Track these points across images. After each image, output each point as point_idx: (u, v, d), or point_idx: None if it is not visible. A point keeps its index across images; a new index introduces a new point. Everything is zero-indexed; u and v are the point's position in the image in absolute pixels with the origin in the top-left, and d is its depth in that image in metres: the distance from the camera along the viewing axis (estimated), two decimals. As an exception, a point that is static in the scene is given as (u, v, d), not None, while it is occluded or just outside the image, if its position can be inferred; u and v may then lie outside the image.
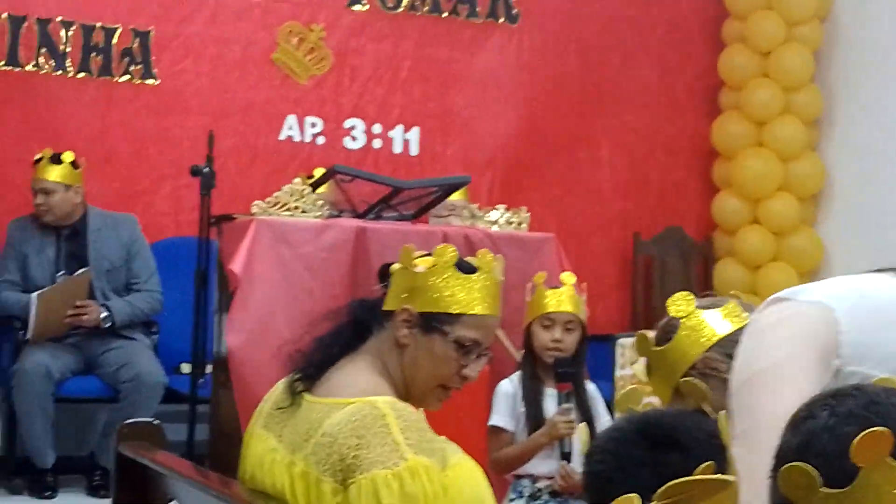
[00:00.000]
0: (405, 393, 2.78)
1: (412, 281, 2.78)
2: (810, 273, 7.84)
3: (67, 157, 6.40)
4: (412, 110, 7.59)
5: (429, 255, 2.82)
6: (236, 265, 5.08)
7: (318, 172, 6.19)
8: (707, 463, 1.90)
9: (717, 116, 8.10)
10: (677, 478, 1.89)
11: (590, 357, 4.84)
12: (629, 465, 1.94)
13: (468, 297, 2.77)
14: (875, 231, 7.62)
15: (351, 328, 2.83)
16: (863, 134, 7.82)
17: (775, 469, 1.63)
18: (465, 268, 2.80)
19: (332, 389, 2.71)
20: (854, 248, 7.74)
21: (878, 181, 7.68)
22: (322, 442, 2.60)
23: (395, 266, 2.85)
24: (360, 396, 2.63)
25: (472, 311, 2.76)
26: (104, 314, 6.30)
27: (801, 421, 1.68)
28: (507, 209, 5.77)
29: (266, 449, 2.78)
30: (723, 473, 1.92)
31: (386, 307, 2.79)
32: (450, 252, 2.78)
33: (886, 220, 7.56)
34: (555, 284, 4.77)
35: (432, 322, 2.76)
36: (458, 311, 2.76)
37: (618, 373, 5.61)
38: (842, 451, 1.60)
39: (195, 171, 5.51)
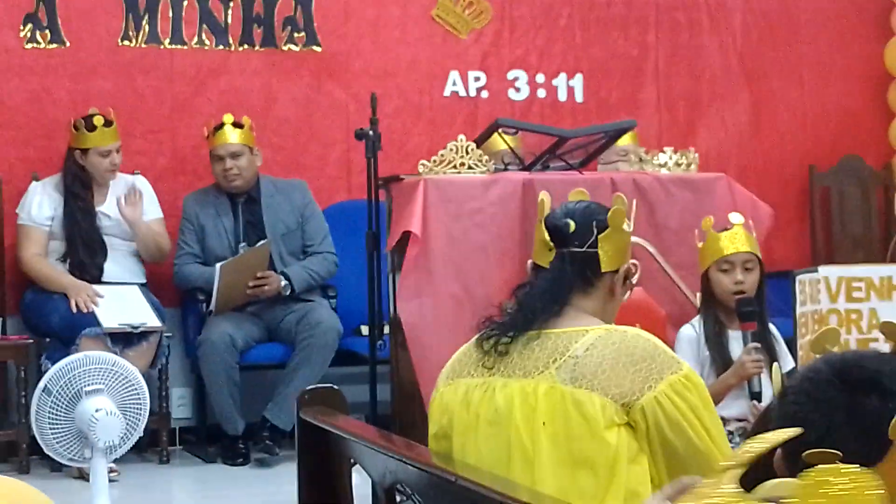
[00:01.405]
0: None
1: (625, 240, 2.95)
2: None
3: (247, 121, 6.53)
4: (574, 57, 7.52)
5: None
6: (414, 225, 5.09)
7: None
8: None
9: (889, 39, 7.85)
10: (874, 421, 1.85)
11: (770, 294, 4.77)
12: (825, 407, 1.90)
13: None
14: None
15: (561, 283, 2.91)
16: None
17: None
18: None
19: (562, 324, 2.85)
20: None
21: None
22: (577, 363, 2.75)
23: (570, 226, 2.90)
24: (595, 326, 2.82)
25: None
26: (284, 283, 6.39)
27: None
28: (675, 151, 5.69)
29: (470, 387, 2.87)
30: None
31: (606, 268, 2.92)
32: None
33: None
34: (724, 226, 4.70)
35: (628, 274, 2.96)
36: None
37: (798, 309, 5.49)
38: None
39: (359, 135, 5.54)
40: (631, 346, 2.75)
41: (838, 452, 1.86)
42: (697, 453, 2.72)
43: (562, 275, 2.91)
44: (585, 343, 2.77)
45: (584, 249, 2.91)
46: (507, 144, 5.62)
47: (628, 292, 2.98)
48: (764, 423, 2.63)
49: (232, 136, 6.46)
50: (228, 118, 6.48)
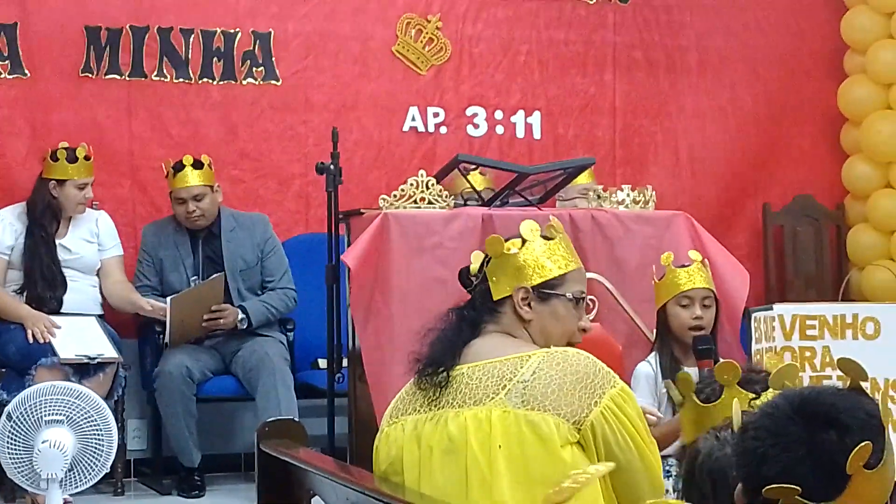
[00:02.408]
0: None
1: (513, 263, 3.01)
2: (946, 235, 7.69)
3: (206, 159, 6.51)
4: (532, 94, 7.58)
5: (513, 238, 3.05)
6: (349, 257, 5.12)
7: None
8: (864, 443, 1.89)
9: (842, 81, 7.96)
10: (833, 456, 1.89)
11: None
12: (784, 442, 1.94)
13: (564, 256, 3.04)
14: None
15: (464, 326, 3.02)
16: None
17: None
18: (548, 236, 3.06)
19: (497, 352, 2.94)
20: None
21: None
22: (526, 386, 2.83)
23: (476, 260, 3.08)
24: (536, 351, 2.91)
25: (571, 268, 3.05)
26: (241, 316, 6.39)
27: None
28: (633, 189, 5.75)
29: (419, 422, 2.94)
30: (882, 454, 1.92)
31: (497, 297, 3.02)
32: (534, 226, 3.03)
33: None
34: (683, 263, 4.76)
35: (546, 290, 3.01)
36: (563, 272, 3.03)
37: (753, 347, 5.55)
38: None
39: (320, 169, 5.57)
40: (574, 365, 2.85)
41: (797, 487, 1.91)
42: (636, 462, 2.87)
43: (466, 309, 3.05)
44: (531, 367, 2.86)
45: (476, 284, 3.06)
46: (467, 180, 5.67)
47: (581, 315, 3.06)
48: (689, 461, 2.71)
49: (193, 178, 6.43)
50: (188, 159, 6.44)
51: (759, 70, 7.94)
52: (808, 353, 5.60)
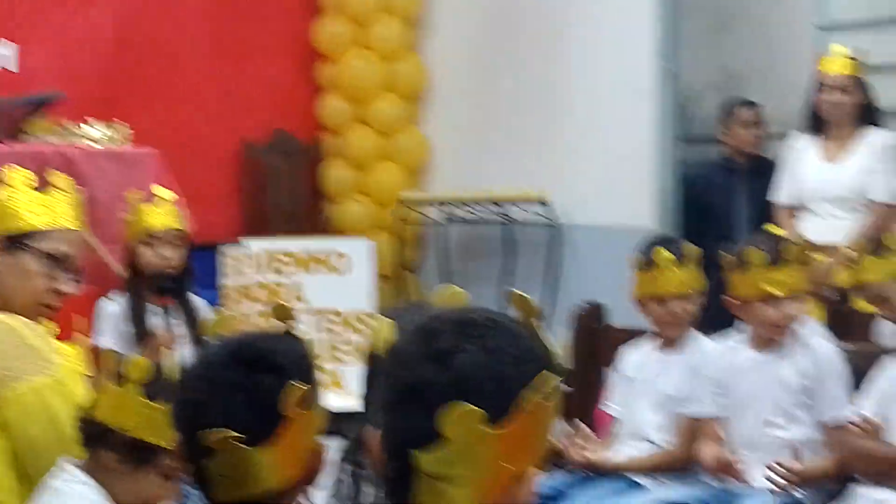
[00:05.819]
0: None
1: None
2: (417, 171, 8.00)
3: None
4: (6, 25, 7.27)
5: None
6: None
7: None
8: (296, 382, 1.96)
9: (316, 16, 8.08)
10: (272, 398, 1.94)
11: (196, 267, 4.86)
12: (224, 390, 1.96)
13: (52, 212, 2.85)
14: (477, 127, 7.82)
15: None
16: (462, 31, 7.97)
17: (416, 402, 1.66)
18: (41, 187, 2.87)
19: None
20: (458, 145, 7.93)
21: (478, 78, 7.87)
22: None
23: None
24: None
25: (59, 226, 2.85)
26: None
27: (448, 355, 1.66)
28: (107, 125, 5.66)
29: None
30: (314, 392, 1.99)
31: None
32: (23, 173, 2.85)
33: (487, 115, 7.75)
34: (152, 200, 4.75)
35: (19, 240, 2.82)
36: (45, 227, 2.83)
37: (224, 282, 5.62)
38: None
39: None
40: None
41: (230, 431, 1.94)
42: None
43: None
44: None
45: None
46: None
47: (58, 277, 2.87)
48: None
49: None
50: None
51: (229, 6, 7.89)
52: (280, 289, 5.73)
